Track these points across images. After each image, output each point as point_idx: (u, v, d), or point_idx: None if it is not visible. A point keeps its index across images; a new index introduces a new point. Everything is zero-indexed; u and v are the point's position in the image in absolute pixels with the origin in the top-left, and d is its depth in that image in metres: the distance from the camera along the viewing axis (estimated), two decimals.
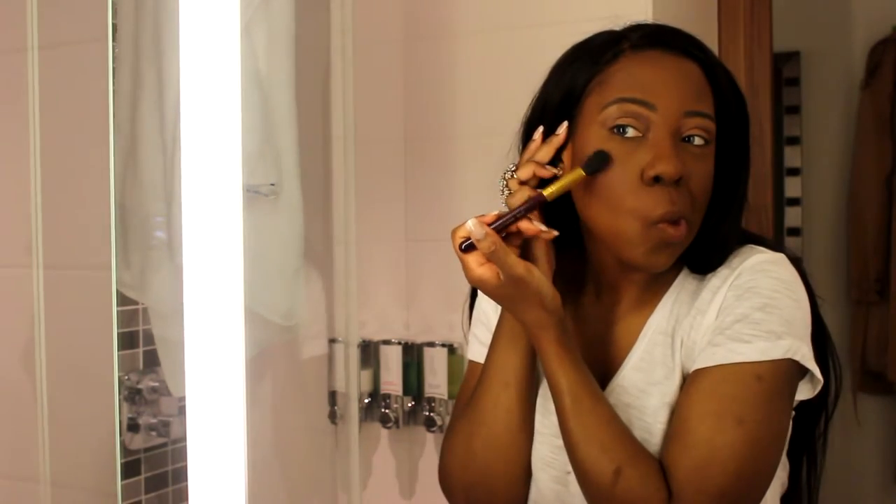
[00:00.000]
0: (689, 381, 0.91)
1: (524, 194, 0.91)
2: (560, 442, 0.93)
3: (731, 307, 0.91)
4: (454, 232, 0.89)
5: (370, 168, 1.88)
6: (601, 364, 0.99)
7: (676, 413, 0.91)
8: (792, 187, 3.29)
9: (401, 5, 1.88)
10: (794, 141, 3.28)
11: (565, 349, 0.90)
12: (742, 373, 0.88)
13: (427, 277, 1.87)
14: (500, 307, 1.00)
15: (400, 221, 1.89)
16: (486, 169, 1.81)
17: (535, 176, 0.93)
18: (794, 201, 3.28)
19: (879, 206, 3.09)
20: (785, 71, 3.25)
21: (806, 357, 0.90)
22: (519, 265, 0.87)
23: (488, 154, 1.82)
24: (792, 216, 3.29)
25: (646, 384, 0.95)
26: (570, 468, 0.94)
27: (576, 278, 1.02)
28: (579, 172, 0.90)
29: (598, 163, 0.90)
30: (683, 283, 0.97)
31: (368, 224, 1.88)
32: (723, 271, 0.94)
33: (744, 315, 0.89)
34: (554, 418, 0.93)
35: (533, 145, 0.95)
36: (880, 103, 3.09)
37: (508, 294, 0.89)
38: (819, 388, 0.93)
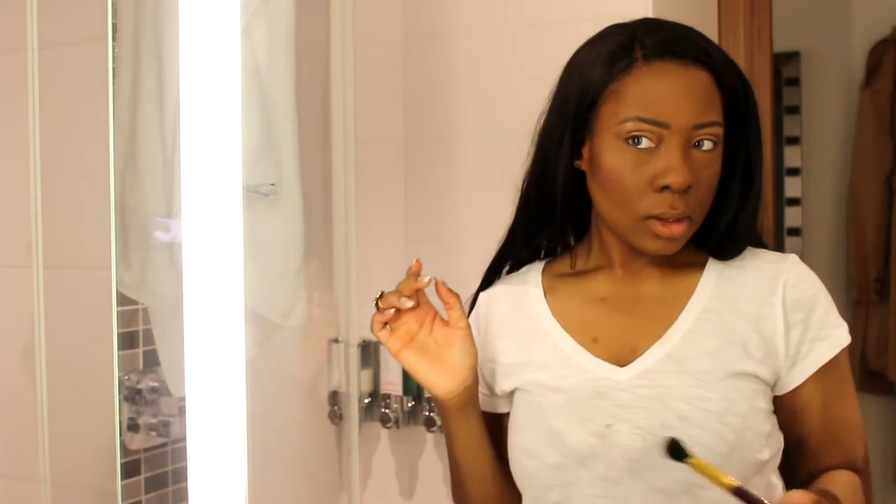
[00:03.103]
0: (812, 381, 1.02)
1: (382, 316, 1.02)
2: (600, 402, 1.00)
3: (805, 308, 1.01)
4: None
5: (370, 168, 1.88)
6: (629, 337, 1.03)
7: (824, 411, 1.03)
8: (792, 187, 3.29)
9: (401, 5, 1.88)
10: (794, 141, 3.28)
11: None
12: (841, 359, 1.03)
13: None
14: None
15: (400, 221, 1.89)
16: (486, 169, 1.82)
17: (394, 307, 1.01)
18: (794, 201, 3.28)
19: (879, 206, 3.09)
20: (785, 71, 3.25)
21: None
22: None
23: (488, 154, 1.82)
24: (792, 216, 3.28)
25: (695, 353, 1.00)
26: (610, 421, 0.98)
27: (587, 268, 1.10)
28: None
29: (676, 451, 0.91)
30: (722, 266, 1.05)
31: (368, 224, 1.88)
32: (757, 263, 1.04)
33: (824, 312, 1.02)
34: (589, 375, 1.03)
35: (410, 273, 1.01)
36: (880, 103, 3.09)
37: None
38: None
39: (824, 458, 1.04)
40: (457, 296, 1.03)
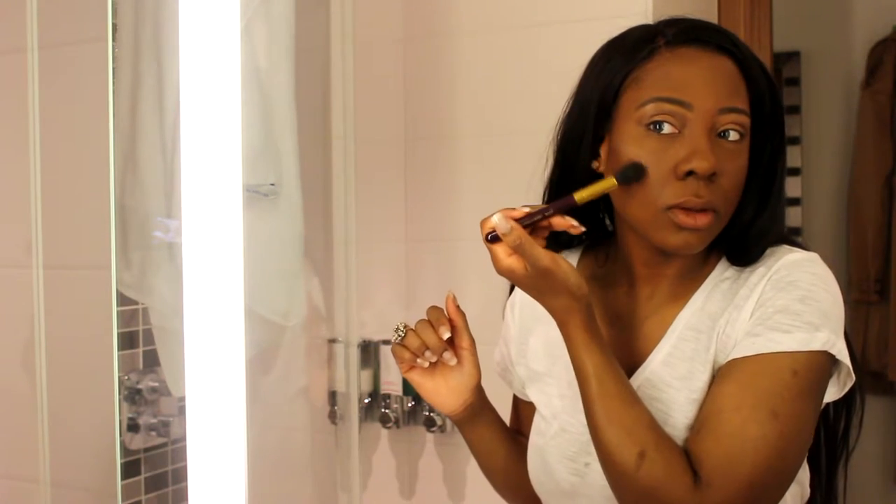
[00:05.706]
0: (724, 370, 0.92)
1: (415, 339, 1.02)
2: (585, 437, 0.94)
3: (770, 299, 0.92)
4: (482, 223, 0.92)
5: (370, 168, 1.88)
6: (629, 357, 1.00)
7: (709, 402, 0.91)
8: (792, 187, 3.28)
9: (401, 5, 1.88)
10: (794, 141, 3.28)
11: (592, 335, 0.92)
12: (779, 366, 0.89)
13: (427, 277, 1.87)
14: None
15: (400, 221, 1.89)
16: (486, 169, 1.82)
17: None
18: (795, 201, 3.28)
19: (879, 206, 3.09)
20: (785, 71, 3.25)
21: (841, 352, 0.91)
22: (545, 257, 0.89)
23: (488, 154, 1.82)
24: (792, 216, 3.28)
25: (672, 379, 0.95)
26: (588, 460, 0.96)
27: (611, 271, 1.05)
28: (612, 181, 0.92)
29: (633, 174, 0.92)
30: (717, 280, 0.98)
31: (368, 224, 1.88)
32: (759, 269, 0.95)
33: (784, 306, 0.91)
34: (583, 417, 0.94)
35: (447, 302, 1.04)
36: (880, 103, 3.09)
37: (536, 284, 0.91)
38: (847, 388, 0.94)
39: (698, 443, 0.90)
40: (462, 315, 1.04)
